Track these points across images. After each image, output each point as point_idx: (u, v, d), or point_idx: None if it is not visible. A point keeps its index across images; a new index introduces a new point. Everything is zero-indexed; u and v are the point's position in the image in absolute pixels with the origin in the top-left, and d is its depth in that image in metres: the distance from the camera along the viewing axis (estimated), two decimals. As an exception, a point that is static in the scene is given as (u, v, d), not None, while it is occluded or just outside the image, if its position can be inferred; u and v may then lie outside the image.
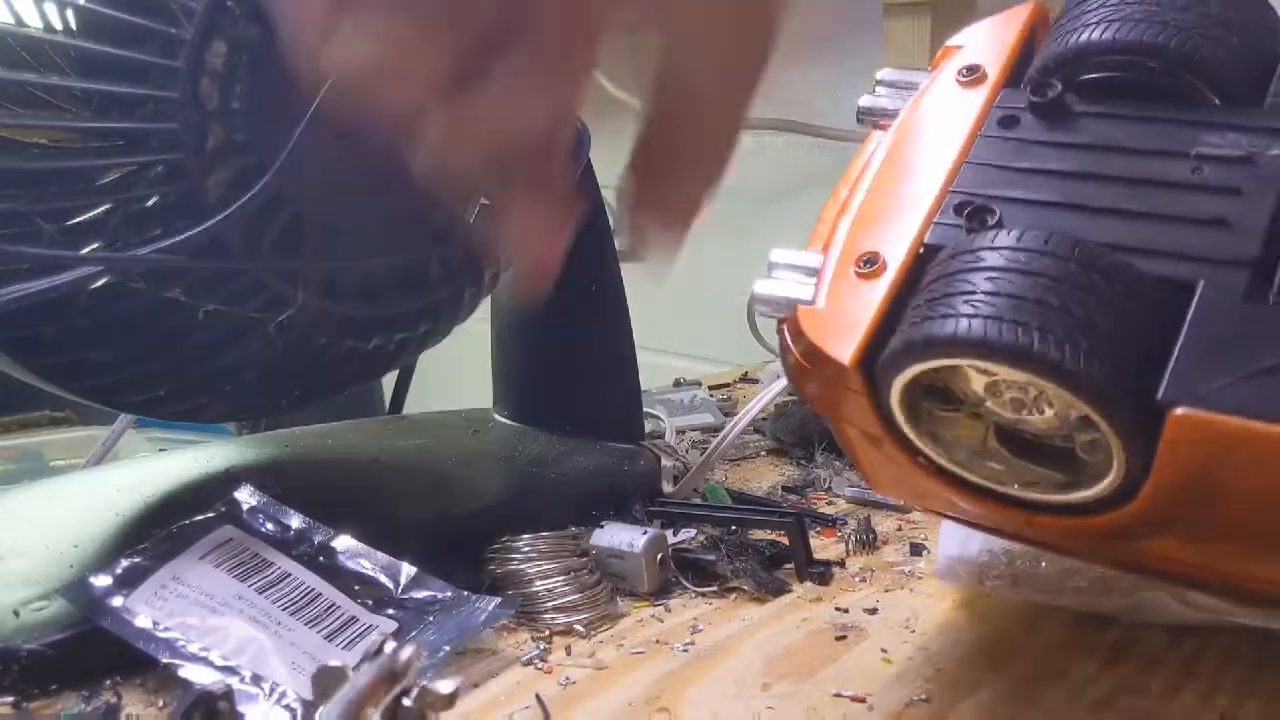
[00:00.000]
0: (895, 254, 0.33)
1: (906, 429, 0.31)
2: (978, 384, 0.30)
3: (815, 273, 0.34)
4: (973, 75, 0.37)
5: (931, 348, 0.29)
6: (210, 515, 0.42)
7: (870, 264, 0.33)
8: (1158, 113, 0.33)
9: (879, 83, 0.40)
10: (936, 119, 0.37)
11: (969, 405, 0.31)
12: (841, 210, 0.36)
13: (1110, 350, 0.28)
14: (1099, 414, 0.28)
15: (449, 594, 0.41)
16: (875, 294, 0.32)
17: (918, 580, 0.47)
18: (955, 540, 0.46)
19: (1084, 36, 0.35)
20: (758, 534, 0.50)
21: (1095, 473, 0.29)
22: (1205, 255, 0.30)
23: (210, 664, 0.35)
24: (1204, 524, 0.29)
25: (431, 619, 0.40)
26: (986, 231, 0.31)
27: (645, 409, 0.66)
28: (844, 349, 0.31)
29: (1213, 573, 0.33)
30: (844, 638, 0.42)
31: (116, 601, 0.37)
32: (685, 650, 0.41)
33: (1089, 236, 0.30)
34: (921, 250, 0.33)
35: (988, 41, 0.38)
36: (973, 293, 0.29)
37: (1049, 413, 0.29)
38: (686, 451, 0.66)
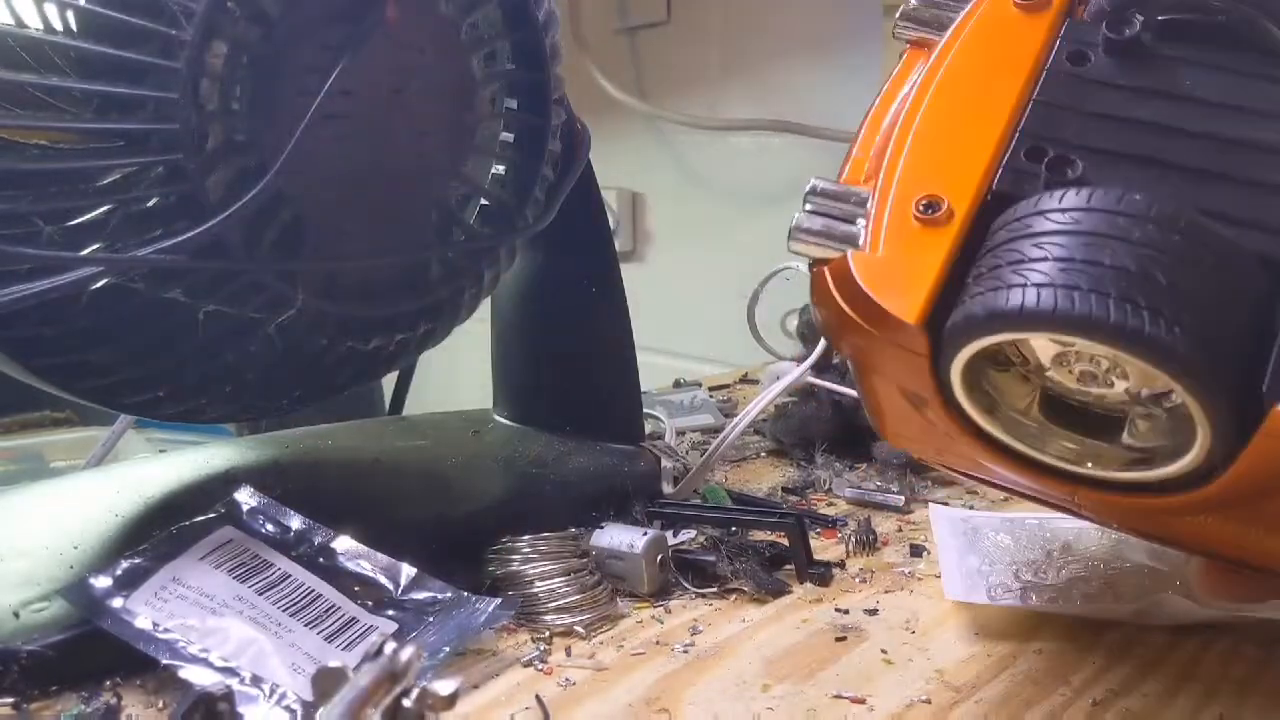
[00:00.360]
0: (960, 199, 0.30)
1: (962, 397, 0.29)
2: (1045, 353, 0.28)
3: (862, 209, 0.31)
4: (1031, 0, 0.33)
5: (1020, 320, 0.26)
6: (210, 516, 0.42)
7: (932, 209, 0.30)
8: (1252, 67, 0.30)
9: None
10: (993, 46, 0.33)
11: (1022, 369, 0.29)
12: (888, 139, 0.32)
13: (1212, 331, 0.26)
14: (1197, 400, 0.26)
15: (449, 595, 0.41)
16: (940, 244, 0.29)
17: (918, 581, 0.47)
18: (953, 555, 0.46)
19: None
20: (758, 535, 0.50)
21: (1167, 451, 0.28)
22: None
23: (210, 665, 0.35)
24: (1263, 510, 0.28)
25: (431, 620, 0.40)
26: (1067, 188, 0.28)
27: (645, 410, 0.66)
28: (906, 306, 0.29)
29: (1249, 552, 0.32)
30: (844, 639, 0.42)
31: (116, 602, 0.37)
32: (685, 651, 0.41)
33: (1179, 200, 0.27)
34: (989, 197, 0.30)
35: None
36: (1067, 260, 0.26)
37: (1119, 386, 0.28)
38: (687, 452, 0.66)
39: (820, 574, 0.47)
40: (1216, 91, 0.30)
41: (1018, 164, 0.30)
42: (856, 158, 0.33)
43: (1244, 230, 0.27)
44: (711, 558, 0.47)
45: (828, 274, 0.31)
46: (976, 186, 0.30)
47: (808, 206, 0.32)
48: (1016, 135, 0.31)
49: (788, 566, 0.48)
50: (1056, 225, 0.27)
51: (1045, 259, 0.26)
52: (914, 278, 0.29)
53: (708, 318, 1.22)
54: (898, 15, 0.36)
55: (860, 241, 0.31)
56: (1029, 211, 0.28)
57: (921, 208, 0.30)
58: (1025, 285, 0.26)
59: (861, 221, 0.31)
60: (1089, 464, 0.29)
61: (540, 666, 0.39)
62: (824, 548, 0.51)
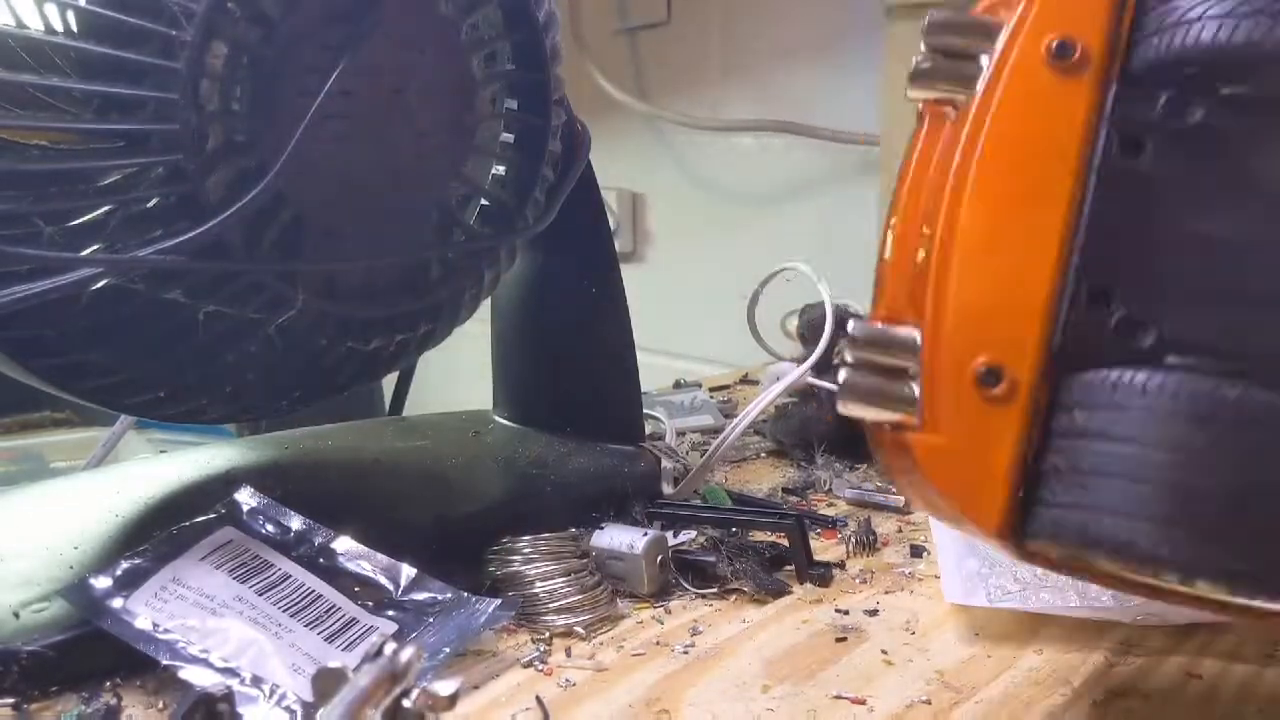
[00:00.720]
0: (1019, 361, 0.26)
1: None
2: None
3: (912, 358, 0.28)
4: (1066, 58, 0.27)
5: (1116, 556, 0.24)
6: (210, 517, 0.42)
7: (993, 379, 0.26)
8: None
9: (931, 32, 0.29)
10: (1030, 124, 0.27)
11: None
12: (925, 250, 0.28)
13: None
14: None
15: (449, 595, 0.41)
16: (1007, 427, 0.26)
17: (918, 582, 0.47)
18: (952, 558, 0.46)
19: (1221, 34, 0.25)
20: (758, 536, 0.50)
21: None
22: None
23: (210, 665, 0.35)
24: None
25: (432, 620, 0.40)
26: (1139, 367, 0.24)
27: (645, 410, 0.66)
28: (982, 514, 0.26)
29: None
30: (844, 639, 0.41)
31: (116, 603, 0.37)
32: (685, 652, 0.41)
33: (1267, 421, 0.23)
34: (1051, 366, 0.26)
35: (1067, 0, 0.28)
36: (1144, 481, 0.23)
37: None
38: (687, 453, 0.66)
39: (820, 575, 0.47)
40: None
41: (1079, 317, 0.26)
42: (891, 267, 0.29)
43: None
44: (712, 558, 0.47)
45: (887, 442, 0.29)
46: (1036, 345, 0.26)
47: (849, 358, 0.29)
48: (1073, 270, 0.26)
49: (788, 567, 0.48)
50: (1145, 435, 0.24)
51: (1131, 480, 0.24)
52: (985, 476, 0.26)
53: (708, 318, 1.22)
54: (909, 77, 0.30)
55: (916, 409, 0.28)
56: (1104, 401, 0.25)
57: (981, 376, 0.27)
58: (1117, 513, 0.24)
59: (914, 381, 0.28)
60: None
61: (540, 667, 0.39)
62: (824, 548, 0.51)
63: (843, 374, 0.29)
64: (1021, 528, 0.26)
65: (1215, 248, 0.25)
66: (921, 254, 0.28)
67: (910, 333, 0.28)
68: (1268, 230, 0.25)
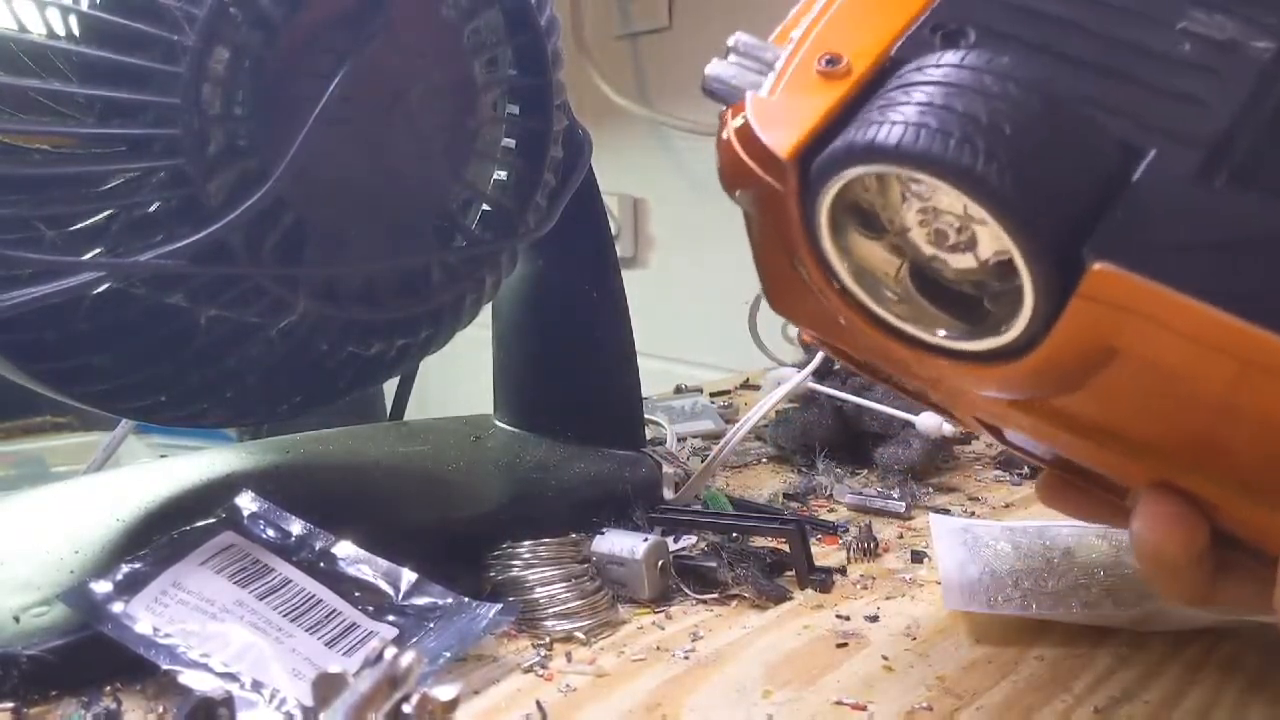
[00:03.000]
0: (861, 58, 0.32)
1: (828, 243, 0.31)
2: (909, 212, 0.30)
3: (773, 64, 0.33)
4: None
5: (871, 153, 0.28)
6: (211, 521, 0.42)
7: (832, 63, 0.32)
8: None
9: None
10: None
11: (892, 235, 0.31)
12: (809, 7, 0.35)
13: (1043, 180, 0.27)
14: (1019, 244, 0.27)
15: (450, 600, 0.41)
16: (831, 93, 0.31)
17: (919, 587, 0.47)
18: (953, 566, 0.46)
19: None
20: (759, 541, 0.50)
21: (998, 323, 0.29)
22: (1165, 127, 0.29)
23: (210, 670, 0.35)
24: (1089, 390, 0.29)
25: (432, 625, 0.40)
26: (955, 50, 0.30)
27: (646, 415, 0.66)
28: (782, 141, 0.31)
29: (1074, 442, 0.33)
30: (845, 645, 0.41)
31: (117, 607, 0.37)
32: (686, 657, 0.41)
33: (1059, 83, 0.29)
34: (887, 62, 0.32)
35: None
36: (927, 104, 0.28)
37: (969, 255, 0.29)
38: (688, 458, 0.66)
39: (821, 580, 0.47)
40: None
41: (920, 36, 0.32)
42: (784, 25, 0.35)
43: (1112, 116, 0.29)
44: (712, 563, 0.47)
45: (728, 116, 0.33)
46: (879, 51, 0.32)
47: (729, 57, 0.34)
48: (926, 14, 0.33)
49: (789, 572, 0.48)
50: (928, 78, 0.29)
51: (909, 104, 0.28)
52: (799, 118, 0.31)
53: (709, 323, 1.22)
54: None
55: (762, 89, 0.32)
56: (910, 69, 0.30)
57: (823, 62, 0.32)
58: (885, 123, 0.28)
59: (770, 72, 0.33)
60: (918, 327, 0.31)
61: (541, 672, 0.39)
62: (825, 554, 0.51)
63: (710, 64, 0.34)
64: (812, 155, 0.30)
65: (1036, 14, 0.32)
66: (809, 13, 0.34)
67: (781, 49, 0.33)
68: (1076, 12, 0.32)
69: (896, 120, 0.28)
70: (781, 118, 0.31)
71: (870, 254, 0.31)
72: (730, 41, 0.34)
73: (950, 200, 0.28)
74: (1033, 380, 0.30)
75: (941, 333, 0.30)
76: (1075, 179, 0.28)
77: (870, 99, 0.30)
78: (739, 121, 0.32)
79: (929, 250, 0.30)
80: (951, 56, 0.29)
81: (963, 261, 0.30)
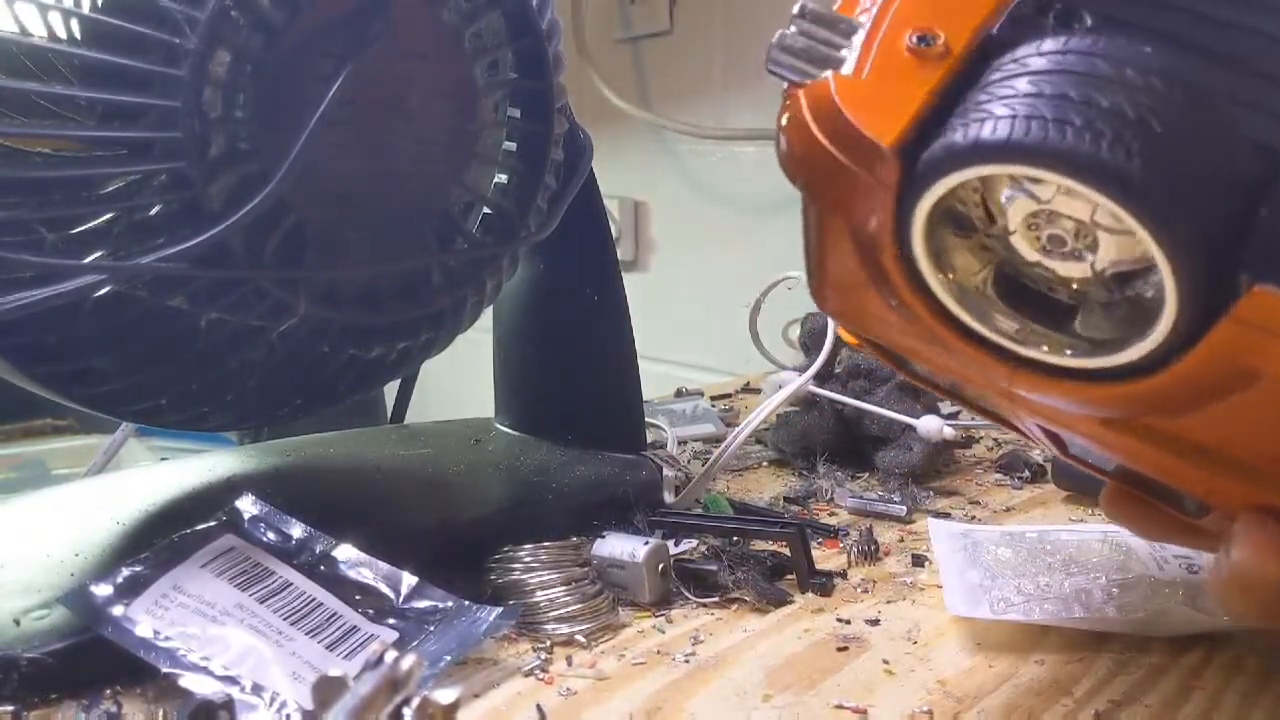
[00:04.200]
0: (958, 36, 0.28)
1: (920, 245, 0.28)
2: (1017, 214, 0.27)
3: (851, 38, 0.29)
4: None
5: (1004, 150, 0.25)
6: (211, 524, 0.42)
7: (925, 41, 0.28)
8: None
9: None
10: None
11: (983, 235, 0.28)
12: None
13: (1195, 186, 0.24)
14: (1171, 257, 0.24)
15: (450, 603, 0.41)
16: (930, 77, 0.28)
17: (920, 591, 0.47)
18: (954, 571, 0.46)
19: None
20: (759, 544, 0.50)
21: (1117, 342, 0.27)
22: None
23: (211, 673, 0.35)
24: (1208, 412, 0.27)
25: (432, 628, 0.40)
26: (1074, 35, 0.27)
27: (647, 419, 0.66)
28: (885, 128, 0.27)
29: (1164, 459, 0.30)
30: (846, 649, 0.41)
31: (117, 610, 0.37)
32: (686, 661, 0.40)
33: (1189, 75, 0.26)
34: (989, 42, 0.28)
35: None
36: (1059, 96, 0.25)
37: (1083, 264, 0.27)
38: (688, 461, 0.66)
39: (822, 584, 0.47)
40: None
41: (1021, 14, 0.28)
42: None
43: (1247, 113, 0.26)
44: (713, 567, 0.47)
45: (802, 96, 0.29)
46: (976, 27, 0.28)
47: (793, 28, 0.30)
48: None
49: (789, 576, 0.48)
50: (1054, 65, 0.26)
51: (1041, 96, 0.25)
52: (897, 104, 0.28)
53: (710, 327, 1.22)
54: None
55: (845, 67, 0.29)
56: (1028, 53, 0.27)
57: (915, 40, 0.28)
58: (1014, 117, 0.25)
59: (847, 50, 0.29)
60: (1036, 346, 0.28)
61: (541, 676, 0.39)
62: (826, 557, 0.51)
63: (777, 35, 0.30)
64: (916, 155, 0.27)
65: (1155, 1, 0.28)
66: None
67: (857, 19, 0.29)
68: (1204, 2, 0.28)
69: (1032, 115, 0.25)
70: (876, 101, 0.28)
71: (959, 257, 0.29)
72: (795, 9, 0.30)
73: (1075, 205, 0.26)
74: (1154, 401, 0.27)
75: (1046, 348, 0.28)
76: (1222, 185, 0.25)
77: (975, 85, 0.27)
78: (818, 102, 0.29)
79: (1033, 255, 0.28)
80: (1078, 43, 0.26)
81: (1073, 270, 0.27)
